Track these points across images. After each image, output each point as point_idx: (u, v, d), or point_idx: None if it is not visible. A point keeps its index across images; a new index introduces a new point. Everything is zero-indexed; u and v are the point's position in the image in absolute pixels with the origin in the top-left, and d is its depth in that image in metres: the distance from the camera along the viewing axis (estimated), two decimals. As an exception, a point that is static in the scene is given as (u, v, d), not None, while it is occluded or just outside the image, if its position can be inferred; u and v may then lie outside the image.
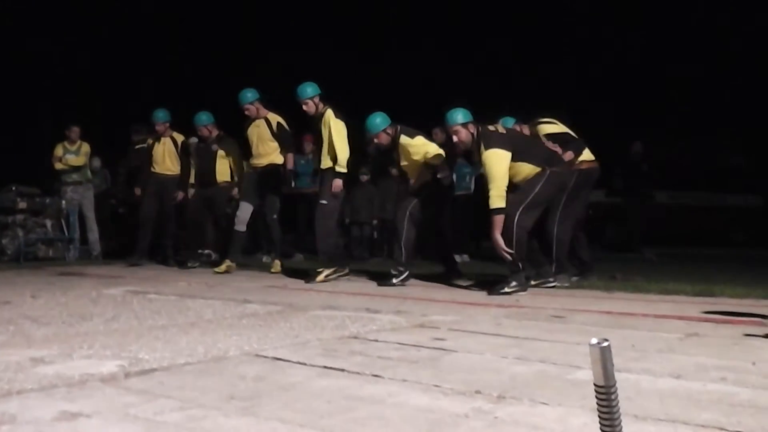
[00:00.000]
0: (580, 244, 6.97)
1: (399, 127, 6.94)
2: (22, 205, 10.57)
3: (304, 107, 7.43)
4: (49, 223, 10.67)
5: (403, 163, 6.98)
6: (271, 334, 3.64)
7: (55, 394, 2.35)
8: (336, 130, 7.20)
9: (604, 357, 1.25)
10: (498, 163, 5.85)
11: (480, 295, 5.74)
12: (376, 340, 3.45)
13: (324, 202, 7.30)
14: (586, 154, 6.69)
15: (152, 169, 9.66)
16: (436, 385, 2.46)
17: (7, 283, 6.81)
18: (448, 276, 7.10)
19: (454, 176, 8.81)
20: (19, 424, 2.00)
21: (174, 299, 5.43)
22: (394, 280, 6.54)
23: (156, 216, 9.61)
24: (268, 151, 8.40)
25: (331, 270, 7.15)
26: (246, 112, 8.39)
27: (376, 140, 7.00)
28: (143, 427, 1.98)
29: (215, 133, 9.16)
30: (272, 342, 3.40)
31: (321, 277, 7.05)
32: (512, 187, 5.91)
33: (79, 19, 22.03)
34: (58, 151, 10.78)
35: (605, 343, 1.25)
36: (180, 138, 9.63)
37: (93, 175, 11.26)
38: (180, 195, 9.30)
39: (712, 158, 16.28)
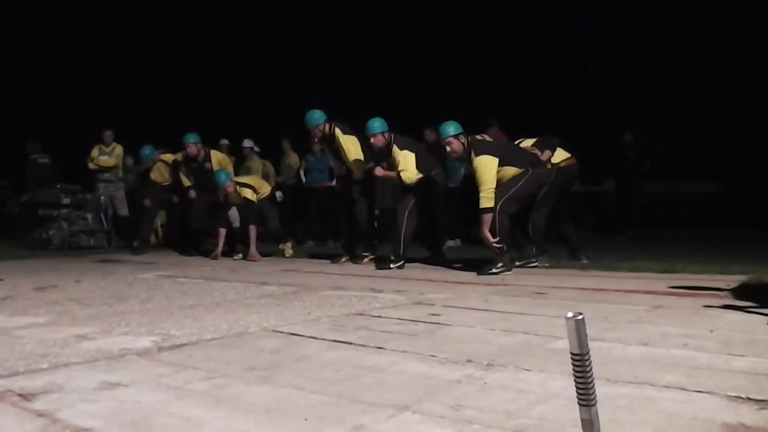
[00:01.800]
0: (569, 232, 6.94)
1: (393, 136, 7.00)
2: (66, 200, 10.61)
3: (314, 132, 7.49)
4: (89, 216, 10.68)
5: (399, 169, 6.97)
6: (286, 312, 3.65)
7: (97, 366, 2.36)
8: (346, 147, 7.28)
9: (578, 328, 1.26)
10: (487, 168, 5.93)
11: (470, 276, 5.74)
12: (380, 317, 3.46)
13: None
14: (563, 153, 6.67)
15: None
16: (432, 355, 2.47)
17: (54, 269, 6.82)
18: (435, 258, 7.26)
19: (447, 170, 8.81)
20: (66, 393, 2.01)
21: (201, 282, 5.43)
22: (392, 266, 6.55)
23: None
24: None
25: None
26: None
27: (372, 140, 7.00)
28: (174, 394, 1.98)
29: (201, 152, 9.11)
30: (288, 319, 3.40)
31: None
32: (499, 187, 5.98)
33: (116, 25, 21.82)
34: (94, 152, 10.76)
35: (579, 317, 1.25)
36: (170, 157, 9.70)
37: (126, 173, 11.23)
38: (175, 199, 9.52)
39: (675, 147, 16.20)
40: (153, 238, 10.80)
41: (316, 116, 7.39)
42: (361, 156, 7.28)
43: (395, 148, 6.88)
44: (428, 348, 2.59)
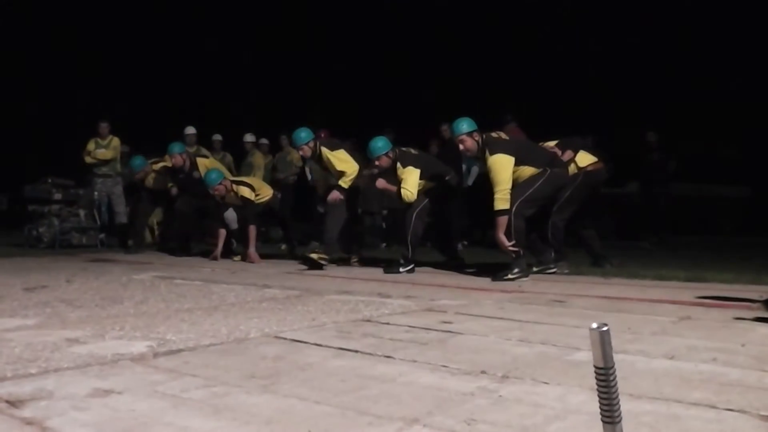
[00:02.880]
0: (590, 237, 6.94)
1: (398, 152, 7.10)
2: (57, 196, 10.65)
3: (301, 153, 7.89)
4: (82, 213, 10.73)
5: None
6: (289, 317, 3.65)
7: (89, 372, 2.37)
8: (337, 160, 7.49)
9: (603, 340, 1.25)
10: (503, 167, 5.91)
11: (484, 281, 5.73)
12: (388, 323, 3.45)
13: (321, 209, 7.87)
14: (589, 157, 6.64)
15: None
16: (444, 365, 2.46)
17: (44, 268, 6.85)
18: (450, 262, 7.26)
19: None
20: (56, 400, 2.01)
21: (199, 284, 5.45)
22: (401, 269, 6.57)
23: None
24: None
25: (319, 254, 7.22)
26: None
27: (377, 162, 7.08)
28: (171, 402, 1.98)
29: (187, 162, 9.23)
30: (290, 324, 3.41)
31: (313, 255, 7.19)
32: (515, 188, 5.99)
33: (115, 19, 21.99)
34: (90, 145, 10.82)
35: (604, 328, 1.24)
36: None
37: (122, 166, 11.27)
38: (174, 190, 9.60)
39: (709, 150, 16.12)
40: (148, 237, 10.84)
41: (303, 136, 7.65)
42: (352, 167, 7.47)
43: (399, 166, 6.95)
44: (439, 358, 2.59)
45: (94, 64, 21.55)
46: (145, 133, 10.22)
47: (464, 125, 6.21)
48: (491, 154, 5.98)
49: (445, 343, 2.92)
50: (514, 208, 5.88)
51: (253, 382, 2.21)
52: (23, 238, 10.27)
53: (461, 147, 6.26)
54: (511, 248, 5.83)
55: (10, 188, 13.38)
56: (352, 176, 7.45)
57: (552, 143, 6.61)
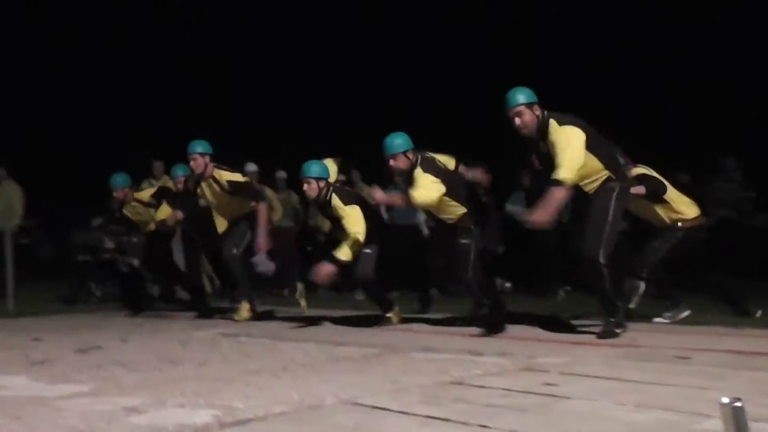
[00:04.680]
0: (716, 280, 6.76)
1: (420, 156, 6.34)
2: (110, 244, 10.94)
3: (309, 193, 6.87)
4: (135, 262, 10.99)
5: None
6: (367, 380, 3.67)
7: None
8: (348, 216, 6.65)
9: (737, 418, 1.21)
10: (574, 137, 5.33)
11: (589, 335, 5.58)
12: (482, 386, 3.43)
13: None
14: (692, 208, 6.44)
15: None
16: (548, 437, 2.43)
17: (97, 326, 7.05)
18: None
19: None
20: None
21: (265, 341, 5.53)
22: (491, 330, 5.92)
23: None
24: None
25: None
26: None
27: (392, 162, 6.32)
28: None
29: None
30: (369, 388, 3.42)
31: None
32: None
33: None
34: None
35: (738, 403, 1.21)
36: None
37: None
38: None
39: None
40: (207, 286, 11.03)
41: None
42: (362, 232, 6.60)
43: (419, 170, 6.20)
44: (542, 426, 2.57)
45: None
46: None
47: (521, 96, 5.57)
48: (560, 125, 5.38)
49: (548, 409, 2.89)
50: (594, 252, 5.30)
51: (330, 458, 2.23)
52: (72, 292, 10.60)
53: (517, 121, 5.56)
54: (608, 303, 5.54)
55: (54, 234, 13.81)
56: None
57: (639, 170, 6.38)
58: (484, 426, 2.61)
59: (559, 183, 5.19)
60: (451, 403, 3.05)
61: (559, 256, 8.94)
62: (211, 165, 7.61)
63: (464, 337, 5.63)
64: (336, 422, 2.73)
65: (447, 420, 2.72)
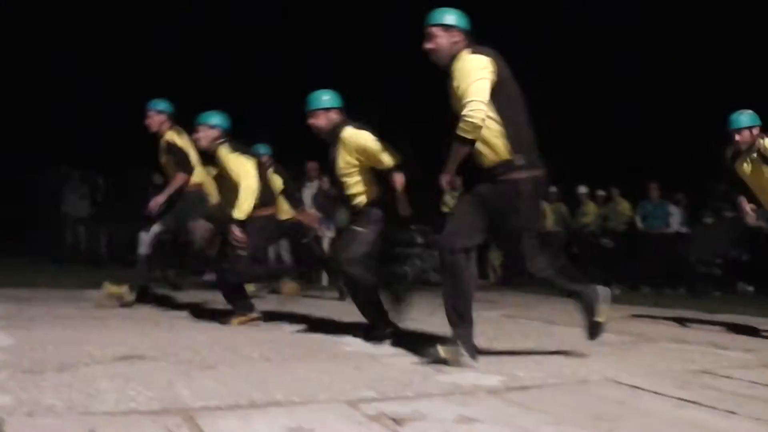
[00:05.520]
0: None
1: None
2: (420, 240, 11.53)
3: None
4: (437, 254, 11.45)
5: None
6: (625, 363, 3.57)
7: (453, 399, 2.56)
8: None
9: None
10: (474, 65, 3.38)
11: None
12: (729, 377, 3.20)
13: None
14: None
15: None
16: (793, 427, 2.23)
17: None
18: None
19: None
20: (430, 422, 2.22)
21: (539, 324, 5.51)
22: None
23: None
24: None
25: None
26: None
27: (311, 120, 4.49)
28: (524, 435, 2.07)
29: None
30: (627, 370, 3.33)
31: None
32: None
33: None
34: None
35: None
36: None
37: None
38: None
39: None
40: (492, 275, 11.20)
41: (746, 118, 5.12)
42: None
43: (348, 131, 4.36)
44: (788, 419, 2.35)
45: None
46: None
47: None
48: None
49: (794, 404, 2.63)
50: None
51: (599, 425, 2.22)
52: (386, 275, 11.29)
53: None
54: None
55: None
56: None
57: None
58: (732, 412, 2.45)
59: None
60: (701, 389, 2.88)
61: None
62: (167, 123, 5.86)
63: (711, 332, 5.23)
64: (601, 395, 2.70)
65: (697, 404, 2.58)
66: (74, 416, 2.19)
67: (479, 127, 3.25)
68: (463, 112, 3.24)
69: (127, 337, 3.88)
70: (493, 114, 3.31)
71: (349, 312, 5.59)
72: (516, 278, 6.06)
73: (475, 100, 3.23)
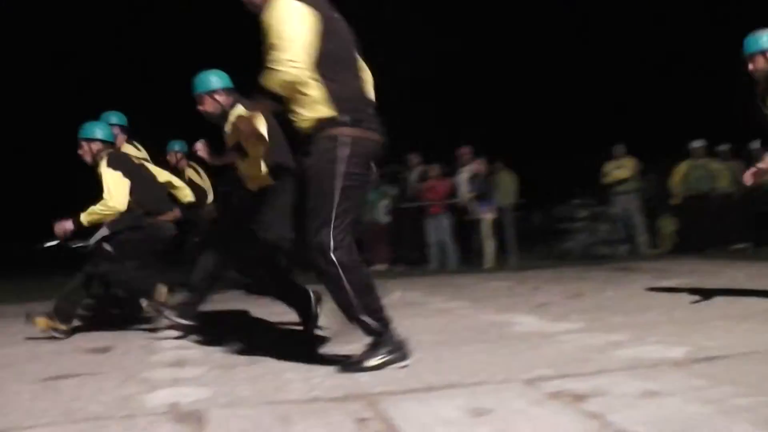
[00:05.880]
0: None
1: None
2: (583, 213, 11.16)
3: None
4: (604, 227, 11.03)
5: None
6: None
7: (636, 374, 2.48)
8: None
9: None
10: None
11: None
12: None
13: None
14: None
15: None
16: None
17: (578, 278, 7.16)
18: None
19: None
20: (612, 397, 2.17)
21: (722, 292, 5.14)
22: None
23: None
24: None
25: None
26: None
27: (199, 106, 4.21)
28: (715, 408, 1.97)
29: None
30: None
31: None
32: None
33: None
34: (608, 167, 11.07)
35: None
36: None
37: (638, 182, 11.22)
38: None
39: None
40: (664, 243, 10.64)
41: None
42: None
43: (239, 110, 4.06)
44: None
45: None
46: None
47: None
48: None
49: None
50: None
51: (795, 395, 2.06)
52: (552, 251, 11.04)
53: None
54: None
55: (542, 208, 14.30)
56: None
57: None
58: None
59: None
60: None
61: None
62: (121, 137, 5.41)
63: None
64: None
65: None
66: (266, 406, 2.36)
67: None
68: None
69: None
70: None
71: (513, 294, 5.56)
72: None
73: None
